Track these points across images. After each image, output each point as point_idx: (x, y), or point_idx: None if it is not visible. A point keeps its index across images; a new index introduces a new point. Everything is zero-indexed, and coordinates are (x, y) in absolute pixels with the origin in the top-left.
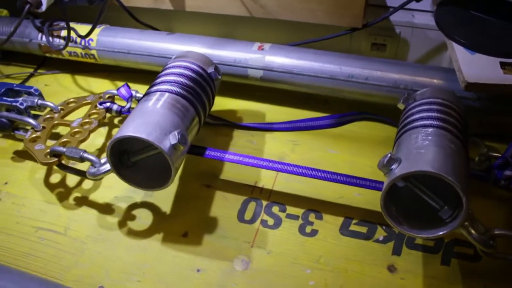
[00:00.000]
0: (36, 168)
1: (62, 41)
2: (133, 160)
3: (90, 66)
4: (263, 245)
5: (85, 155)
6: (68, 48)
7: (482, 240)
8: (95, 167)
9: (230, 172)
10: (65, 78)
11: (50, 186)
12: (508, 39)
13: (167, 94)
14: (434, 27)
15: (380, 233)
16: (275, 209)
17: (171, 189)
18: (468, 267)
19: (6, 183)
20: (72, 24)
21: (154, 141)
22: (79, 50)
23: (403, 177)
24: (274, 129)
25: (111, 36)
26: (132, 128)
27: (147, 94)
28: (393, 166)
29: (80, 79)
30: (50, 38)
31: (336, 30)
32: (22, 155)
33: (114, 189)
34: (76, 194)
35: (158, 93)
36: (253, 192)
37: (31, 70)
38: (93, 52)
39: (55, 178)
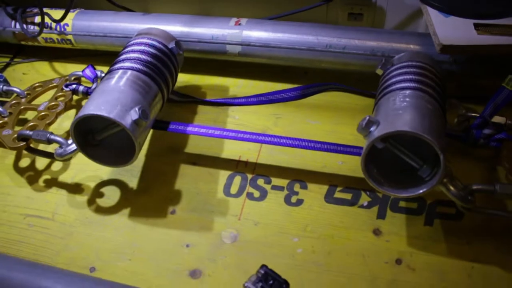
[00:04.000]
0: (6, 154)
1: (36, 28)
2: (99, 139)
3: (68, 51)
4: (250, 217)
5: (52, 137)
6: (43, 35)
7: (461, 196)
8: (62, 148)
9: (214, 148)
10: (43, 66)
11: (21, 171)
12: (481, 1)
13: (129, 71)
14: None
15: (365, 199)
16: (260, 181)
17: (161, 168)
18: (450, 226)
19: None
20: (46, 10)
21: (115, 117)
22: (55, 36)
23: (381, 138)
24: (237, 103)
25: (86, 20)
26: (93, 106)
27: (109, 72)
28: (372, 128)
29: (59, 65)
30: (24, 25)
31: (312, 2)
32: None
33: (101, 171)
34: (60, 178)
35: (120, 70)
36: (238, 166)
37: (7, 60)
38: (69, 37)
39: (25, 162)
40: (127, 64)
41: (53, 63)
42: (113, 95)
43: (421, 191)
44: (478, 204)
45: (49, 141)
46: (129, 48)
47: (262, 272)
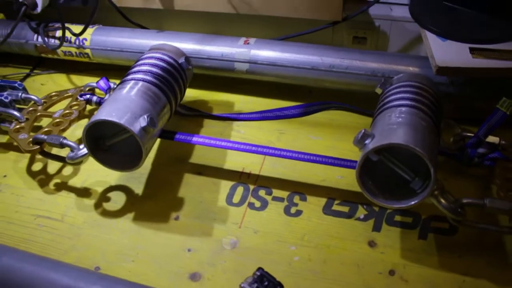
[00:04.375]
0: (20, 158)
1: (57, 41)
2: (108, 144)
3: (85, 65)
4: (251, 225)
5: (65, 141)
6: (63, 48)
7: (451, 208)
8: (73, 151)
9: (219, 160)
10: (60, 78)
11: (33, 174)
12: (477, 27)
13: (140, 82)
14: (411, 19)
15: (361, 212)
16: (262, 192)
17: (167, 177)
18: (444, 240)
19: (5, 176)
20: (66, 25)
21: (125, 123)
22: (73, 50)
23: (375, 150)
24: (242, 118)
25: (104, 35)
26: (105, 113)
27: (121, 82)
28: (367, 141)
29: (75, 78)
30: (46, 39)
31: (318, 25)
32: (10, 148)
33: (110, 177)
34: (70, 182)
35: (132, 81)
36: (241, 177)
37: (27, 71)
38: (87, 51)
39: (37, 166)
40: (139, 75)
41: (70, 76)
42: (124, 103)
43: (412, 202)
44: (470, 218)
45: (62, 145)
46: (141, 61)
47: (258, 274)
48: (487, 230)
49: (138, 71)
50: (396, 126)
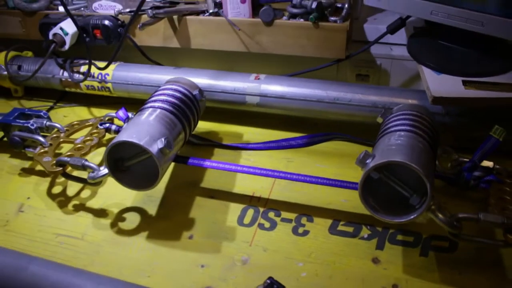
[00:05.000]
0: (41, 181)
1: (81, 76)
2: (127, 165)
3: (105, 99)
4: (260, 244)
5: (86, 163)
6: (86, 82)
7: (448, 221)
8: (94, 172)
9: (230, 185)
10: (82, 110)
11: (53, 196)
12: (469, 62)
13: (158, 110)
14: (409, 58)
15: (365, 232)
16: (271, 214)
17: (180, 200)
18: (444, 257)
19: (28, 198)
20: None
21: (144, 145)
22: (96, 84)
23: (375, 168)
24: (251, 148)
25: (125, 70)
26: (126, 135)
27: (140, 110)
28: (368, 160)
29: (95, 110)
30: (71, 73)
31: (324, 62)
32: (33, 172)
33: (126, 200)
34: (88, 204)
35: (151, 109)
36: (251, 201)
37: (51, 104)
38: (109, 85)
39: (57, 189)
40: (157, 104)
41: (91, 108)
42: (144, 127)
43: (412, 216)
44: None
45: (84, 167)
46: (159, 92)
47: (268, 281)
48: (483, 243)
49: (156, 100)
50: (395, 146)
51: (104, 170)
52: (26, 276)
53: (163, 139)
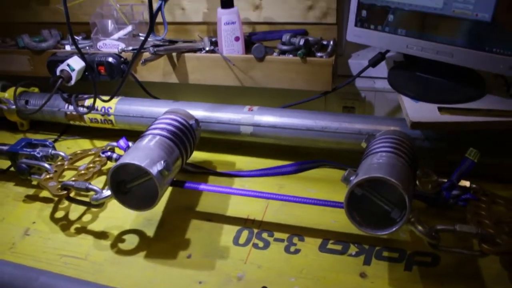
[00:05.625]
0: (45, 207)
1: (85, 109)
2: (129, 187)
3: (107, 131)
4: (255, 262)
5: (90, 186)
6: (89, 115)
7: (426, 232)
8: (97, 194)
9: (225, 209)
10: (84, 142)
11: (56, 220)
12: (444, 91)
13: (157, 136)
14: (391, 90)
15: (353, 249)
16: (264, 235)
17: (179, 223)
18: (427, 271)
19: (34, 222)
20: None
21: (146, 166)
22: (99, 117)
23: (358, 184)
24: (244, 175)
25: (127, 104)
26: (129, 158)
27: (141, 136)
28: (352, 178)
29: (98, 142)
30: (76, 107)
31: (312, 95)
32: (37, 199)
33: (126, 223)
34: (92, 226)
35: (150, 135)
36: (246, 223)
37: (55, 136)
38: (111, 118)
39: (61, 213)
40: (156, 131)
41: (93, 141)
42: (144, 151)
43: (393, 229)
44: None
45: (87, 190)
46: (158, 121)
47: None
48: (461, 253)
49: (156, 128)
50: (376, 165)
51: (106, 192)
52: (36, 286)
53: (162, 162)
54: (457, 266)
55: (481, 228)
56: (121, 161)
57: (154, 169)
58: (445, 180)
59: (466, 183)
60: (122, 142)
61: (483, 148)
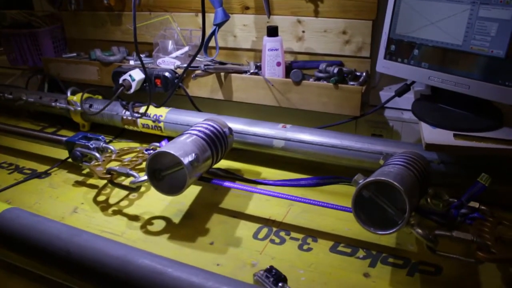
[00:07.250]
0: (90, 191)
1: (139, 115)
2: (163, 174)
3: (156, 137)
4: (269, 253)
5: (130, 171)
6: (142, 121)
7: (425, 234)
8: (135, 178)
9: (251, 210)
10: (134, 145)
11: (98, 203)
12: (461, 120)
13: (194, 136)
14: (417, 121)
15: (361, 253)
16: (282, 233)
17: (206, 216)
18: (429, 278)
19: (82, 203)
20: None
21: (179, 156)
22: (150, 123)
23: (365, 186)
24: (268, 183)
25: (176, 114)
26: (165, 148)
27: (180, 135)
28: (360, 181)
29: (145, 146)
30: (132, 112)
31: (342, 119)
32: (84, 184)
33: (159, 211)
34: (127, 210)
35: (188, 134)
36: (267, 222)
37: (111, 138)
38: (161, 124)
39: (103, 197)
40: (193, 132)
41: (143, 144)
42: (180, 145)
43: (394, 229)
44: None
45: (128, 175)
46: (197, 125)
47: (268, 267)
48: (458, 259)
49: (193, 129)
50: (386, 172)
51: (143, 177)
52: (79, 240)
53: (193, 154)
54: (459, 278)
55: (477, 235)
56: (159, 150)
57: (186, 160)
58: (455, 200)
59: (475, 204)
60: (164, 143)
61: (496, 177)
